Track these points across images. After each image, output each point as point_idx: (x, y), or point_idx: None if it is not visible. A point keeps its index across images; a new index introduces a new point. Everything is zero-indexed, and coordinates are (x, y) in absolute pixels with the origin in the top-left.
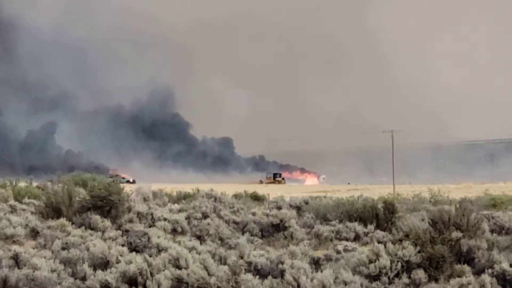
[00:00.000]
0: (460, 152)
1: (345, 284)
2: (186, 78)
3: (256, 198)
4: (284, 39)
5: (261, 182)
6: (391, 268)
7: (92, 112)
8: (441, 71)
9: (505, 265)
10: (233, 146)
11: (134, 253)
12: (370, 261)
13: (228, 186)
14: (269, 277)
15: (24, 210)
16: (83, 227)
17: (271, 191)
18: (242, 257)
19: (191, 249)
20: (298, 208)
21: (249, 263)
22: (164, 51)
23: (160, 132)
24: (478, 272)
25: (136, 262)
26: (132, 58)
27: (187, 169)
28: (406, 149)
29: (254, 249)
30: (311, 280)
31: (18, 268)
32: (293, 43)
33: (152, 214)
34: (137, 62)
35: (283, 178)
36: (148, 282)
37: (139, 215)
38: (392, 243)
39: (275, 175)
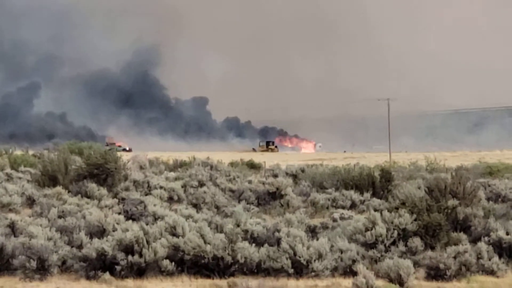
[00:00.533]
0: (452, 120)
1: (341, 252)
2: (171, 42)
3: (252, 166)
4: (269, 8)
5: (254, 150)
6: (387, 236)
7: (71, 78)
8: (430, 40)
9: (501, 233)
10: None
11: (130, 221)
12: (367, 229)
13: (222, 155)
14: (266, 245)
15: (20, 178)
16: (79, 195)
17: (267, 159)
18: (238, 225)
19: (187, 217)
20: (295, 176)
21: (246, 231)
22: (148, 15)
23: (140, 98)
24: (474, 240)
25: (132, 230)
26: (115, 23)
27: (168, 136)
28: (400, 118)
29: (251, 217)
30: (307, 248)
31: (15, 236)
32: (279, 12)
33: (148, 182)
34: (119, 27)
35: (276, 146)
36: (145, 250)
37: (136, 183)
38: (388, 211)
39: (268, 143)
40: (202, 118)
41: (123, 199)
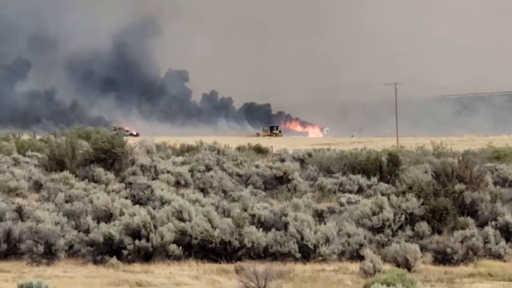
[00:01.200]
0: (461, 104)
1: (349, 236)
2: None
3: (260, 150)
4: None
5: (257, 135)
6: (394, 220)
7: (53, 60)
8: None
9: (508, 217)
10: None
11: (137, 205)
12: (374, 214)
13: (229, 139)
14: (273, 229)
15: (27, 163)
16: (86, 180)
17: (275, 144)
18: (245, 210)
19: (194, 201)
20: (302, 161)
21: (253, 216)
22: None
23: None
24: (481, 224)
25: (139, 215)
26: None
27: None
28: (408, 102)
29: (258, 202)
30: (315, 232)
31: (22, 220)
32: None
33: (155, 166)
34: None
35: (280, 131)
36: (152, 235)
37: (143, 167)
38: (395, 195)
39: (272, 128)
40: (206, 105)
41: (130, 183)
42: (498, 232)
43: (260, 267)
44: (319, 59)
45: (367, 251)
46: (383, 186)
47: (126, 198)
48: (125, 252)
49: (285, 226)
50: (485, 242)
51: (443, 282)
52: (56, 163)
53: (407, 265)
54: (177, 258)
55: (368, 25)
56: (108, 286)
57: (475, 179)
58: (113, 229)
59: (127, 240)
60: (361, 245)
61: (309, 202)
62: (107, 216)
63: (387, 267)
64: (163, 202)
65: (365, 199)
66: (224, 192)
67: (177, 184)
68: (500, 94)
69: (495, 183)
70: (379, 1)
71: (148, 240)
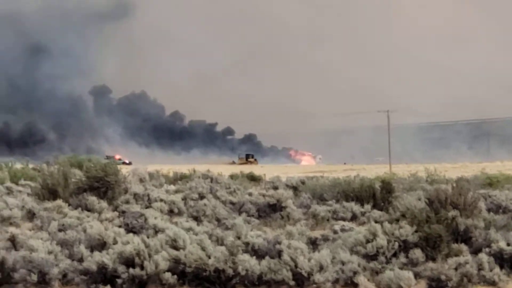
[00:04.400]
0: (455, 131)
1: (343, 264)
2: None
3: (253, 178)
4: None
5: (233, 162)
6: (388, 247)
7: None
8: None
9: (502, 244)
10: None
11: (131, 234)
12: (367, 241)
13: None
14: (267, 257)
15: (20, 191)
16: (79, 209)
17: (268, 172)
18: (239, 238)
19: (188, 229)
20: (295, 188)
21: (247, 244)
22: None
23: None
24: (475, 251)
25: (133, 243)
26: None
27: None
28: (401, 128)
29: (251, 230)
30: (309, 260)
31: (15, 250)
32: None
33: (148, 195)
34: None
35: (255, 159)
36: (146, 263)
37: (136, 196)
38: (389, 222)
39: (247, 156)
40: (181, 128)
41: (123, 212)
42: (492, 258)
43: None
44: (309, 87)
45: (361, 279)
46: (377, 213)
47: (120, 226)
48: (119, 280)
49: (279, 253)
50: (479, 269)
51: None
52: (49, 192)
53: None
54: (171, 286)
55: (359, 52)
56: None
57: (468, 206)
58: (107, 257)
59: (121, 268)
60: (355, 273)
61: (302, 230)
62: (100, 245)
63: None
64: (157, 231)
65: (359, 227)
66: (218, 220)
67: (171, 212)
68: (494, 120)
69: (489, 210)
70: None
71: (142, 268)
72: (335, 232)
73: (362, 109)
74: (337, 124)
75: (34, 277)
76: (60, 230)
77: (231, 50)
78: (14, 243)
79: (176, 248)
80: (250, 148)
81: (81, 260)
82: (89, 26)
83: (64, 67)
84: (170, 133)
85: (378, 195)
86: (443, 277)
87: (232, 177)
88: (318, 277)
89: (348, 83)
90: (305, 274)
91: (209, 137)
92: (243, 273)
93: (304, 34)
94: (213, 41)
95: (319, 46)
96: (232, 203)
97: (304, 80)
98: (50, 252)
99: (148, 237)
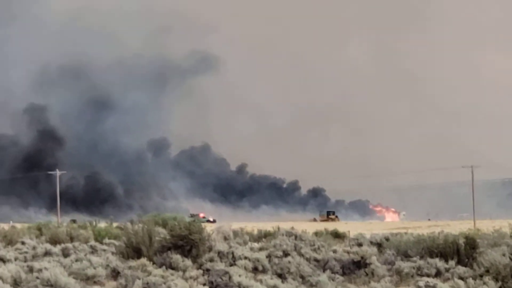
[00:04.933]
0: None
1: None
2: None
3: (337, 235)
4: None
5: (314, 220)
6: None
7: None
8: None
9: None
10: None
11: None
12: None
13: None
14: None
15: (104, 250)
16: (164, 267)
17: (352, 228)
18: None
19: (272, 287)
20: (379, 245)
21: None
22: None
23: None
24: None
25: None
26: None
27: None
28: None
29: (336, 287)
30: None
31: None
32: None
33: (233, 252)
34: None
35: (336, 216)
36: None
37: (220, 254)
38: (472, 278)
39: (328, 213)
40: (247, 183)
41: (207, 270)
42: None
43: None
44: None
45: None
46: (461, 269)
47: (204, 284)
48: None
49: None
50: None
51: None
52: (133, 250)
53: None
54: None
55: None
56: None
57: None
58: None
59: None
60: None
61: (387, 286)
62: None
63: None
64: None
65: (443, 283)
66: (302, 277)
67: (255, 270)
68: None
69: None
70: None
71: None
72: None
73: (444, 164)
74: (422, 180)
75: None
76: None
77: (297, 106)
78: None
79: None
80: (318, 204)
81: None
82: (160, 80)
83: (129, 122)
84: (236, 188)
85: (462, 251)
86: None
87: (316, 234)
88: None
89: (430, 138)
90: None
91: (276, 193)
92: None
93: (377, 89)
94: (280, 97)
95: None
96: (316, 260)
97: (382, 135)
98: None
99: None
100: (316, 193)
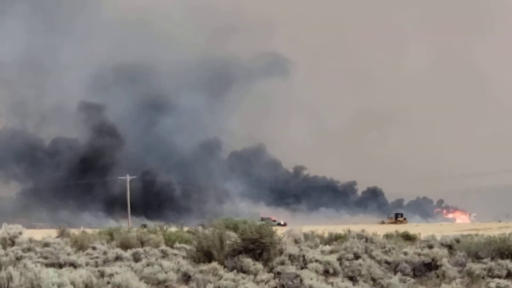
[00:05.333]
0: None
1: None
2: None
3: (407, 237)
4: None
5: (382, 222)
6: None
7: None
8: None
9: None
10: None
11: None
12: None
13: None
14: None
15: (175, 254)
16: (235, 270)
17: (422, 231)
18: None
19: None
20: (450, 247)
21: None
22: None
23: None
24: None
25: None
26: None
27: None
28: None
29: None
30: None
31: None
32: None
33: (304, 255)
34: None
35: (404, 218)
36: None
37: (291, 257)
38: None
39: (396, 215)
40: (304, 185)
41: (279, 273)
42: None
43: None
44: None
45: None
46: None
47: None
48: None
49: None
50: None
51: None
52: (204, 254)
53: None
54: None
55: (509, 108)
56: None
57: None
58: None
59: None
60: None
61: None
62: None
63: None
64: None
65: None
66: (373, 280)
67: (326, 272)
68: None
69: None
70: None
71: None
72: None
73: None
74: (492, 182)
75: None
76: None
77: (355, 108)
78: None
79: None
80: (378, 205)
81: None
82: (219, 81)
83: (186, 123)
84: (292, 190)
85: None
86: None
87: (387, 236)
88: None
89: (497, 139)
90: None
91: (334, 195)
92: None
93: (438, 91)
94: (338, 99)
95: (457, 101)
96: (387, 262)
97: (443, 137)
98: None
99: None
100: (374, 195)
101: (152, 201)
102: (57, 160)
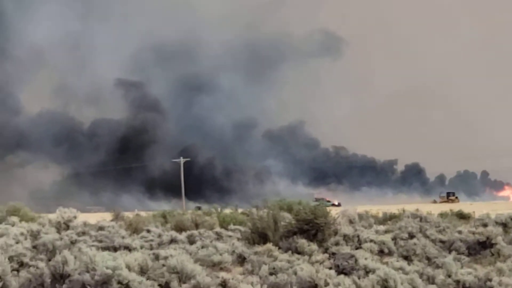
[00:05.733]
0: None
1: None
2: None
3: (462, 216)
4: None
5: (434, 201)
6: None
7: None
8: None
9: None
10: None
11: (342, 275)
12: None
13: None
14: None
15: (230, 236)
16: (289, 252)
17: (476, 209)
18: (449, 276)
19: (398, 269)
20: (504, 225)
21: (457, 282)
22: None
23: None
24: None
25: (344, 285)
26: None
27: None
28: None
29: (462, 267)
30: None
31: None
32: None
33: (358, 236)
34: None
35: (456, 197)
36: None
37: (346, 237)
38: None
39: (448, 194)
40: (346, 164)
41: (333, 253)
42: None
43: None
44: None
45: None
46: None
47: (330, 268)
48: None
49: None
50: None
51: None
52: (259, 236)
53: None
54: None
55: None
56: None
57: None
58: None
59: None
60: None
61: None
62: (311, 287)
63: None
64: (367, 271)
65: None
66: (428, 259)
67: (381, 252)
68: None
69: None
70: None
71: None
72: None
73: None
74: None
75: None
76: (271, 274)
77: (397, 85)
78: (225, 287)
79: None
80: (421, 184)
81: None
82: (263, 60)
83: (227, 103)
84: (332, 169)
85: None
86: None
87: (441, 215)
88: None
89: None
90: None
91: (376, 174)
92: None
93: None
94: (379, 76)
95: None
96: (442, 241)
97: (487, 115)
98: None
99: (359, 278)
100: (416, 172)
101: (193, 182)
102: (96, 142)
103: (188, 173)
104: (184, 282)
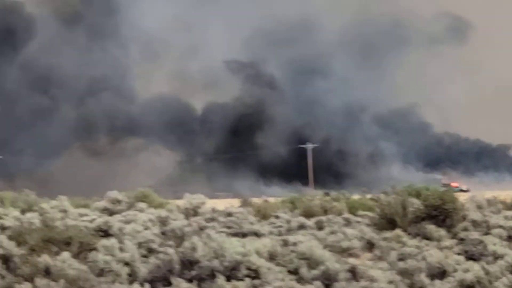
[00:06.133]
0: None
1: None
2: None
3: None
4: None
5: None
6: None
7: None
8: None
9: None
10: None
11: (470, 261)
12: None
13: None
14: None
15: (358, 222)
16: (418, 237)
17: None
18: None
19: None
20: None
21: None
22: None
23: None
24: None
25: (473, 270)
26: None
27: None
28: None
29: None
30: None
31: (356, 280)
32: None
33: (487, 221)
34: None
35: None
36: None
37: (474, 223)
38: None
39: None
40: (458, 149)
41: (462, 239)
42: None
43: None
44: None
45: None
46: None
47: (459, 254)
48: None
49: None
50: None
51: None
52: (387, 222)
53: None
54: None
55: None
56: None
57: None
58: (447, 285)
59: None
60: None
61: None
62: (440, 273)
63: None
64: (496, 257)
65: None
66: None
67: (510, 238)
68: None
69: None
70: None
71: None
72: None
73: None
74: None
75: None
76: (400, 260)
77: None
78: (354, 273)
79: None
80: None
81: None
82: (380, 44)
83: (340, 86)
84: (445, 154)
85: None
86: None
87: None
88: None
89: None
90: None
91: (490, 158)
92: None
93: None
94: (497, 59)
95: None
96: None
97: None
98: (390, 282)
99: (487, 264)
100: None
101: (306, 167)
102: (208, 127)
103: (301, 158)
104: (313, 268)
